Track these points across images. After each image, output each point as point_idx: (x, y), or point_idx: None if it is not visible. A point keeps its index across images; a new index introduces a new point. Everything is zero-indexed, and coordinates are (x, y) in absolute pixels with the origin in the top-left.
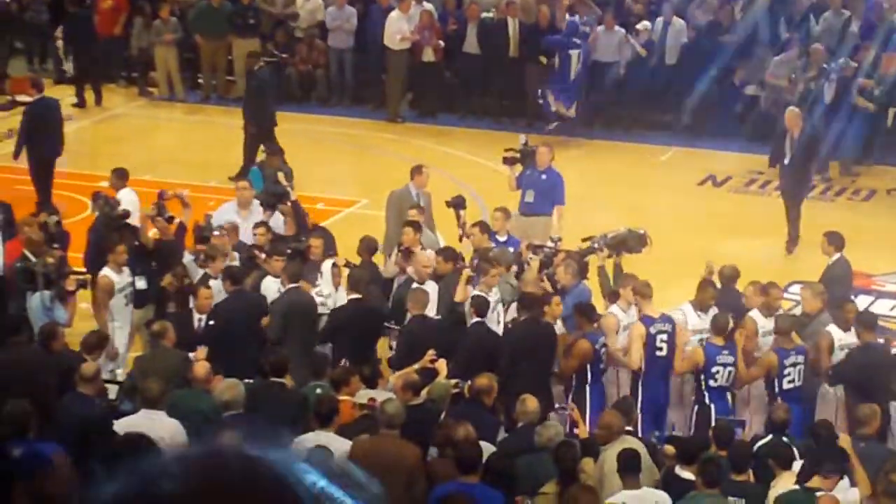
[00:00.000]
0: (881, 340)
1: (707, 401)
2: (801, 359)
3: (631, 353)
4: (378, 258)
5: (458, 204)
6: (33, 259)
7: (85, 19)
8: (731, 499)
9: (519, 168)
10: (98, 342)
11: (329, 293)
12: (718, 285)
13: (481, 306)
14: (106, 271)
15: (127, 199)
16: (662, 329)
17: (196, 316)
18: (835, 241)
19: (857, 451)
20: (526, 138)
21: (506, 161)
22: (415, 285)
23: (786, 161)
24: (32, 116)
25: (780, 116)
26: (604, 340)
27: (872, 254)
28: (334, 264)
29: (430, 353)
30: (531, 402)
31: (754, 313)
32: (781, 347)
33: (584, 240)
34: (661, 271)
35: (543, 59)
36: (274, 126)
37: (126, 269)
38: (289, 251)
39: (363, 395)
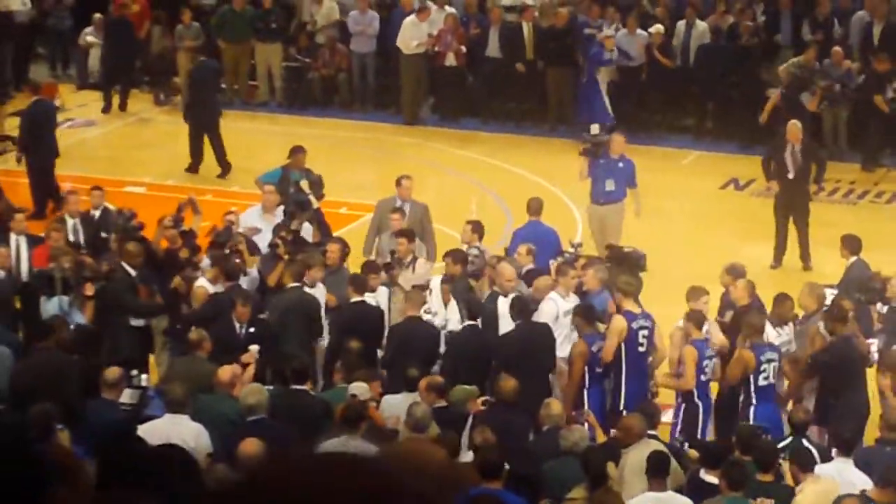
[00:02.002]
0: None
1: (696, 398)
2: (775, 356)
3: (606, 346)
4: None
5: None
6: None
7: (125, 24)
8: (758, 499)
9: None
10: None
11: (438, 310)
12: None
13: (474, 310)
14: (202, 282)
15: None
16: (644, 325)
17: (237, 324)
18: (851, 244)
19: (885, 456)
20: (598, 128)
21: (585, 153)
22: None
23: (790, 176)
24: (30, 119)
25: (790, 112)
26: (601, 343)
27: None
28: (444, 280)
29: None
30: (556, 406)
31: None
32: (757, 344)
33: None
34: (684, 275)
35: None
36: (218, 117)
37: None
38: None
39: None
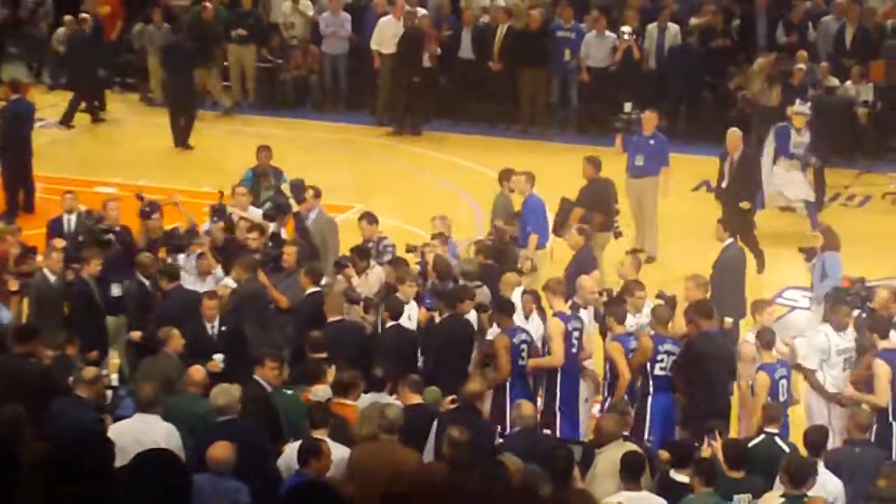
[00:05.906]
0: (717, 327)
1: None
2: (675, 349)
3: (553, 350)
4: None
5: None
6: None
7: (84, 34)
8: (736, 496)
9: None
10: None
11: (520, 322)
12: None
13: (395, 310)
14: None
15: None
16: (577, 326)
17: (207, 324)
18: (728, 227)
19: (853, 456)
20: (631, 106)
21: (617, 129)
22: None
23: (723, 185)
24: (9, 118)
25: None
26: (524, 337)
27: (868, 259)
28: (525, 291)
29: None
30: (527, 407)
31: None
32: (658, 334)
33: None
34: (655, 278)
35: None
36: (96, 82)
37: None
38: (260, 256)
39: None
